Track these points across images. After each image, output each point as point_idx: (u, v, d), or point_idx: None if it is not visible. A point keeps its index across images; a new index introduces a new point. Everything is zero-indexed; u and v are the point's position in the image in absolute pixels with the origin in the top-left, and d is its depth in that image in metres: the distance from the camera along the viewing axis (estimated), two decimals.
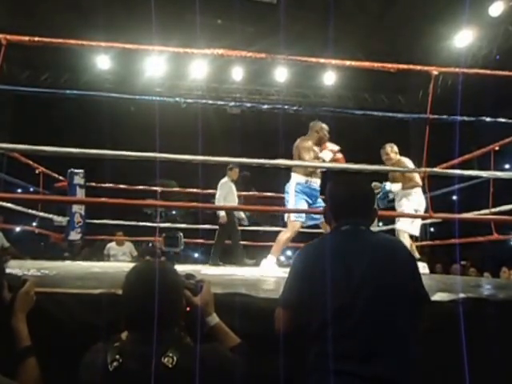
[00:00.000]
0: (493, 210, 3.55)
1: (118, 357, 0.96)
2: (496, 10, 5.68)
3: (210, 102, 3.81)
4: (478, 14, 5.79)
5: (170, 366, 0.95)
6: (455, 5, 5.35)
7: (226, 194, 4.62)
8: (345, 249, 1.23)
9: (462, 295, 1.61)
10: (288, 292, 1.26)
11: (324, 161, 3.29)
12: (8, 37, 2.66)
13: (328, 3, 5.53)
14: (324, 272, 1.16)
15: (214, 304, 1.22)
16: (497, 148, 3.65)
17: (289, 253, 9.76)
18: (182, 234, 1.31)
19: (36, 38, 2.80)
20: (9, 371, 1.07)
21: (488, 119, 2.82)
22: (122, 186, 5.48)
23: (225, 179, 4.72)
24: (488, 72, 3.23)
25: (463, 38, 6.19)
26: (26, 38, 2.78)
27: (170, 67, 7.02)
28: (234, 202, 4.68)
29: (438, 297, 1.58)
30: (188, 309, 1.15)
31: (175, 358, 0.96)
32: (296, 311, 1.23)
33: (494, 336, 1.45)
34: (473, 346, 1.28)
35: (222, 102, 3.93)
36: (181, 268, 1.33)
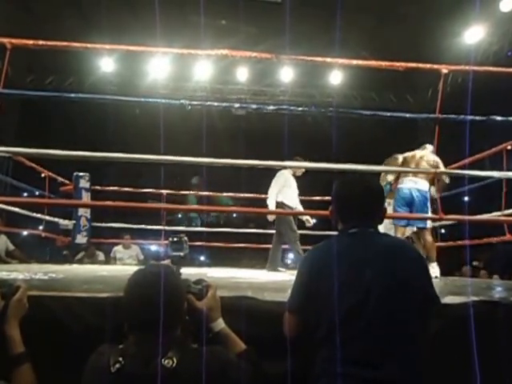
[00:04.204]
0: (505, 212, 3.46)
1: (120, 358, 0.98)
2: (507, 5, 5.55)
3: (216, 104, 3.76)
4: (489, 9, 5.68)
5: (170, 367, 0.96)
6: (465, 0, 5.25)
7: (282, 186, 4.02)
8: (353, 252, 1.21)
9: (472, 298, 1.60)
10: (295, 296, 1.25)
11: None
12: (13, 41, 2.67)
13: (333, 1, 5.45)
14: (332, 275, 1.14)
15: (221, 307, 1.22)
16: (509, 147, 3.55)
17: (291, 255, 9.65)
18: (187, 238, 1.29)
19: (40, 42, 2.80)
20: (5, 377, 1.11)
21: (499, 118, 2.75)
22: (127, 189, 5.48)
23: (284, 170, 4.07)
24: (499, 69, 3.16)
25: (473, 35, 6.06)
26: (31, 42, 2.78)
27: (174, 68, 7.00)
28: (290, 197, 4.06)
29: (448, 299, 1.59)
30: (193, 313, 1.14)
31: (175, 360, 0.97)
32: (304, 315, 1.21)
33: (505, 339, 1.44)
34: (483, 349, 1.26)
35: (227, 104, 3.89)
36: (186, 271, 1.34)
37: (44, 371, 1.17)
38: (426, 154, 3.52)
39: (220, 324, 1.18)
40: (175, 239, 1.41)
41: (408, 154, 3.62)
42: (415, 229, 3.68)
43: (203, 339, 1.10)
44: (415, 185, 3.39)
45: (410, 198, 3.39)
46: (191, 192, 7.69)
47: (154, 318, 0.98)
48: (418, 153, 3.58)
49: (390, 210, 3.44)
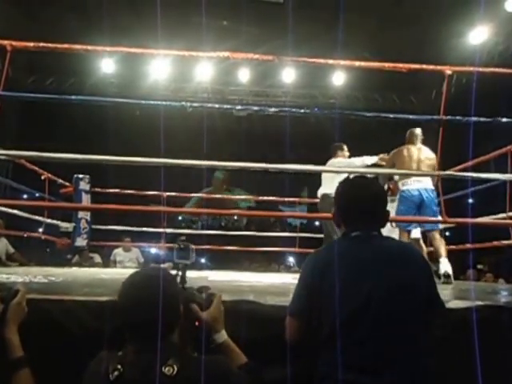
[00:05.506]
0: (510, 214, 3.41)
1: (119, 366, 0.97)
2: None
3: (217, 105, 3.74)
4: (494, 9, 5.63)
5: (171, 375, 0.94)
6: (469, 0, 5.21)
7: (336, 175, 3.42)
8: (356, 256, 1.20)
9: (477, 302, 1.59)
10: (297, 301, 1.24)
11: None
12: (13, 43, 2.65)
13: (336, 2, 5.43)
14: (334, 280, 1.13)
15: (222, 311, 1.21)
16: None
17: (290, 259, 9.61)
18: (193, 246, 1.28)
19: (41, 44, 2.78)
20: (4, 381, 1.11)
21: (504, 119, 2.71)
22: (127, 192, 5.45)
23: (337, 159, 3.67)
24: (504, 70, 3.11)
25: (478, 35, 6.01)
26: (31, 44, 2.76)
27: (175, 70, 6.99)
28: None
29: (453, 304, 1.57)
30: (197, 323, 1.13)
31: (176, 368, 0.95)
32: (306, 320, 1.21)
33: (510, 344, 1.43)
34: (488, 354, 1.25)
35: (228, 106, 3.87)
36: (188, 274, 1.33)
37: (43, 376, 1.16)
38: (423, 150, 3.36)
39: (223, 336, 1.16)
40: (182, 246, 1.38)
41: (410, 151, 3.40)
42: (419, 234, 3.54)
43: (205, 349, 1.08)
44: (422, 184, 3.22)
45: (420, 200, 3.21)
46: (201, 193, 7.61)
47: (147, 319, 0.97)
48: (415, 149, 3.37)
49: None
